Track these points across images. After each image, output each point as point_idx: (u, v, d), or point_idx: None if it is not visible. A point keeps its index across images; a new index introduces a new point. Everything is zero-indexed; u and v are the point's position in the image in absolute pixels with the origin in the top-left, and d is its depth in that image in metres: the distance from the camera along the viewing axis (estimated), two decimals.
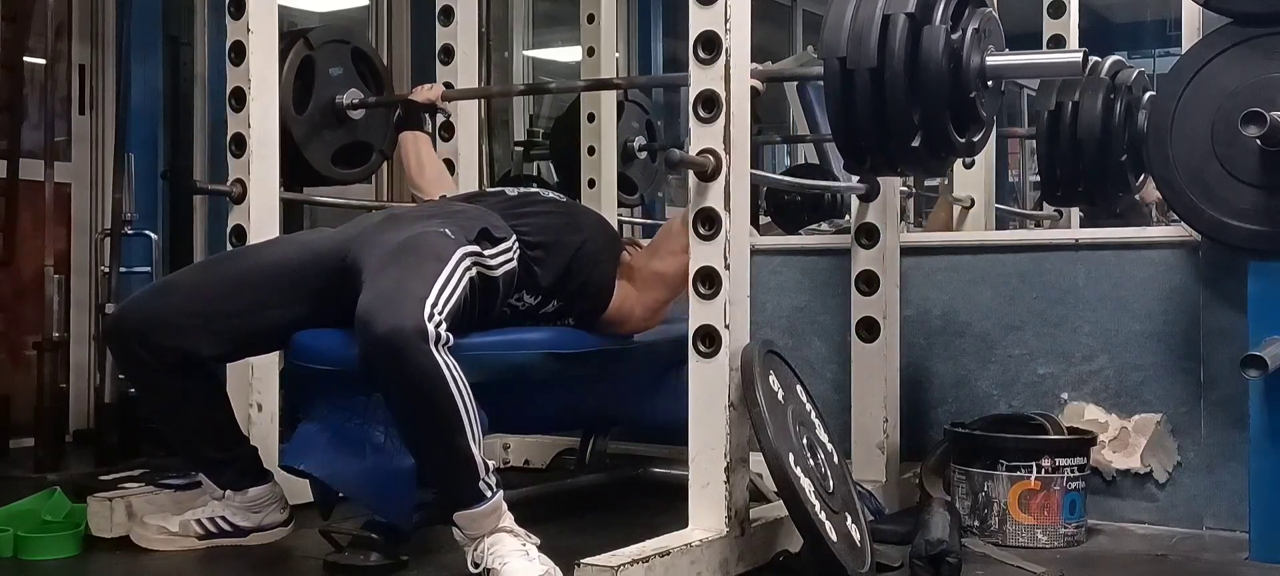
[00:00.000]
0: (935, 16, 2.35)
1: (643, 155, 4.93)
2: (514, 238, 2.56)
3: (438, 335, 2.17)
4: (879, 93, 2.35)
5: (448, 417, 2.18)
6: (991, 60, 2.43)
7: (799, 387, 2.51)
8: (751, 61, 2.40)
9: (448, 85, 3.41)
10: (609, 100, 4.07)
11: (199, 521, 2.61)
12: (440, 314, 2.20)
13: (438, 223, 2.49)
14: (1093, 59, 3.43)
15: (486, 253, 2.47)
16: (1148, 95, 3.49)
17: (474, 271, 2.41)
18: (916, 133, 2.39)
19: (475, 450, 2.21)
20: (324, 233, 2.69)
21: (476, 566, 2.25)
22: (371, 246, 2.44)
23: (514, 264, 2.54)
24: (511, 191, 2.87)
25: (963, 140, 2.47)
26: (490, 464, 2.27)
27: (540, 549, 2.27)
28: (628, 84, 4.30)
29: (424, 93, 3.27)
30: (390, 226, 2.52)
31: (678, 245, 2.56)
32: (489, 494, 2.24)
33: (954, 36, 2.37)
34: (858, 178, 3.00)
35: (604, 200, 4.04)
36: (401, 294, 2.21)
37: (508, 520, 2.28)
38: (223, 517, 2.61)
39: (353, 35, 3.59)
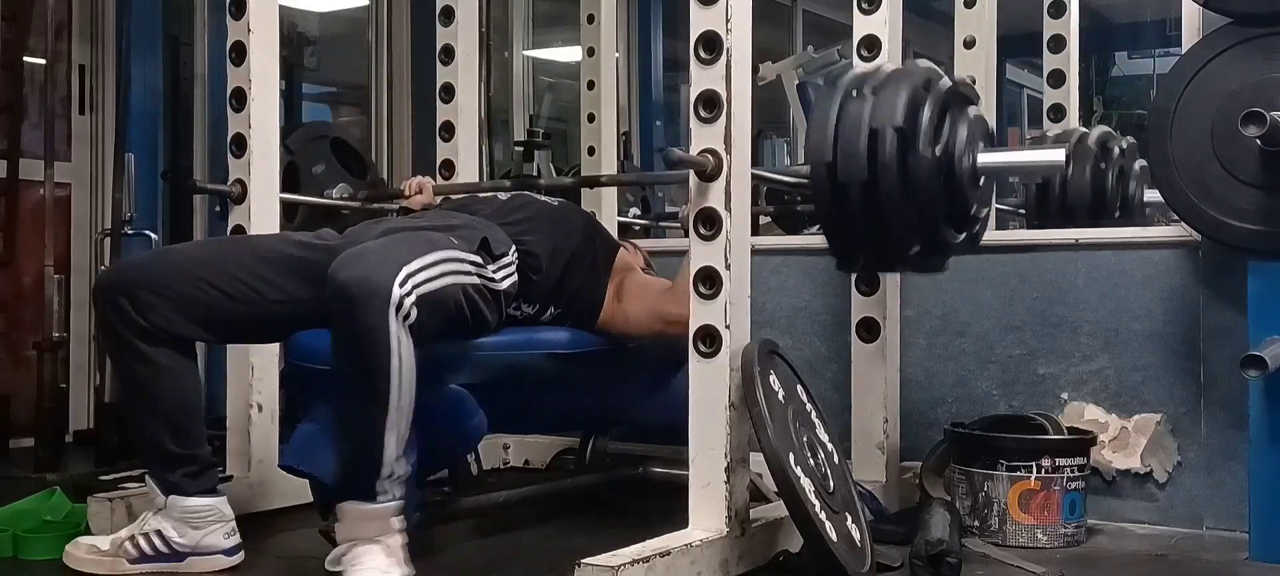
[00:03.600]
0: (922, 127, 2.36)
1: None
2: (513, 249, 2.56)
3: (400, 303, 2.12)
4: (872, 205, 2.38)
5: (375, 391, 2.13)
6: (983, 159, 2.47)
7: (799, 387, 2.51)
8: (752, 61, 2.40)
9: (445, 164, 3.48)
10: (609, 101, 4.08)
11: (133, 540, 2.42)
12: (414, 286, 2.16)
13: (439, 229, 2.49)
14: (1081, 129, 3.74)
15: (489, 267, 2.46)
16: (1139, 165, 3.53)
17: (475, 280, 2.40)
18: (914, 240, 2.44)
19: (389, 443, 2.15)
20: (329, 235, 2.65)
21: (334, 565, 2.21)
22: (373, 238, 2.44)
23: (514, 277, 2.54)
24: (503, 195, 2.85)
25: (959, 237, 2.52)
26: (400, 475, 2.20)
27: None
28: (614, 182, 4.16)
29: (418, 199, 3.13)
30: (395, 227, 2.53)
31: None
32: (382, 498, 2.19)
33: (941, 145, 2.39)
34: None
35: (604, 200, 4.05)
36: (380, 254, 2.20)
37: (391, 537, 2.21)
38: (159, 533, 2.41)
39: (329, 128, 3.62)
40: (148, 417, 2.44)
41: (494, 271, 2.47)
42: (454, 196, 3.10)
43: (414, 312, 2.15)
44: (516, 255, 2.56)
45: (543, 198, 2.87)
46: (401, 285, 2.13)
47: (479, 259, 2.43)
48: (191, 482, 2.44)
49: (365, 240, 2.52)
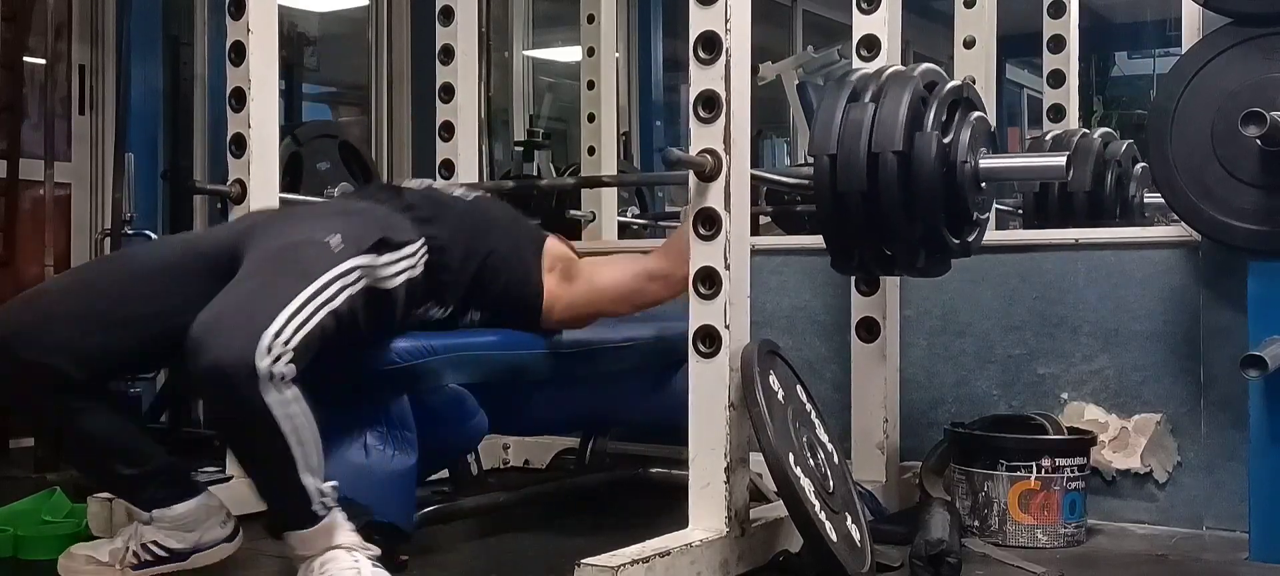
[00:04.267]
0: (924, 133, 2.40)
1: None
2: (420, 242, 2.41)
3: (271, 372, 1.94)
4: (874, 214, 2.40)
5: (275, 455, 2.01)
6: (985, 164, 2.49)
7: (799, 387, 2.51)
8: (752, 61, 2.40)
9: (445, 164, 3.44)
10: (609, 101, 4.08)
11: (131, 550, 2.32)
12: (284, 344, 1.97)
13: (328, 228, 2.26)
14: (1081, 130, 3.82)
15: (380, 260, 2.27)
16: (1139, 167, 3.55)
17: (359, 286, 2.19)
18: (918, 249, 2.48)
19: (306, 480, 2.05)
20: (213, 231, 2.49)
21: None
22: (255, 245, 2.23)
23: (417, 271, 2.37)
24: (415, 184, 2.73)
25: (957, 241, 2.54)
26: (326, 485, 2.10)
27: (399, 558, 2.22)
28: (614, 182, 4.19)
29: None
30: (282, 222, 2.35)
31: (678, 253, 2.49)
32: (322, 514, 2.09)
33: (946, 141, 2.43)
34: None
35: (604, 200, 4.06)
36: (240, 319, 1.99)
37: (343, 535, 2.12)
38: (155, 543, 2.32)
39: (340, 130, 3.62)
40: (88, 454, 2.35)
41: (384, 266, 2.28)
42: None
43: (290, 370, 1.98)
44: (424, 248, 2.41)
45: (457, 192, 2.73)
46: (268, 354, 1.95)
47: (367, 258, 2.23)
48: (167, 493, 2.34)
49: (255, 223, 2.35)
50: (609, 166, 4.07)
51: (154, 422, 3.95)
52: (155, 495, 2.32)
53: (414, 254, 2.38)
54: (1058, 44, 4.08)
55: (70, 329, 2.23)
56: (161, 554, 2.34)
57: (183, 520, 2.34)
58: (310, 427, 2.03)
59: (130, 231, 3.96)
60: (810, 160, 2.51)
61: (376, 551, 2.18)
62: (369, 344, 2.35)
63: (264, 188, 2.94)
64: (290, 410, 1.99)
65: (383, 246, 2.28)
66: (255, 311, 2.00)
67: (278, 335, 1.97)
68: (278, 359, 1.96)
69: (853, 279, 2.95)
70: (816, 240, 2.66)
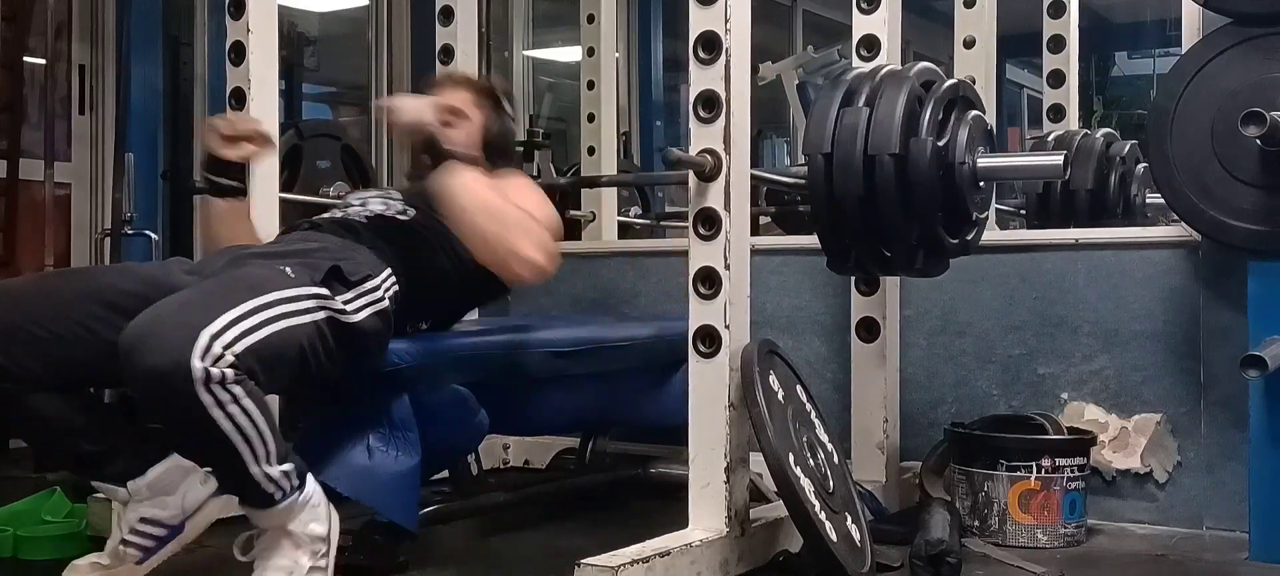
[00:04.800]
0: (921, 135, 2.39)
1: None
2: (385, 275, 2.36)
3: (208, 372, 1.86)
4: (871, 216, 2.41)
5: (221, 454, 1.96)
6: (983, 163, 2.49)
7: (799, 387, 2.51)
8: (752, 61, 2.40)
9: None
10: (609, 101, 4.08)
11: (125, 542, 2.22)
12: (225, 347, 1.88)
13: (281, 261, 2.23)
14: (1083, 132, 3.81)
15: (338, 299, 2.20)
16: (1141, 166, 3.55)
17: (322, 314, 2.14)
18: (915, 250, 2.48)
19: (258, 469, 1.97)
20: (174, 268, 2.43)
21: (244, 554, 2.08)
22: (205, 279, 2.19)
23: (384, 304, 2.31)
24: (363, 215, 2.62)
25: (955, 241, 2.54)
26: (277, 470, 2.00)
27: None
28: (614, 182, 4.19)
29: (234, 151, 2.58)
30: (233, 266, 2.29)
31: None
32: (279, 499, 2.02)
33: (942, 143, 2.43)
34: None
35: (604, 199, 4.05)
36: (175, 323, 1.90)
37: (297, 522, 2.05)
38: (143, 520, 2.22)
39: (343, 132, 3.63)
40: (49, 439, 2.27)
41: (346, 303, 2.22)
42: (333, 214, 2.84)
43: (231, 372, 1.89)
44: (393, 283, 2.38)
45: (398, 213, 2.62)
46: (203, 356, 1.86)
47: (322, 289, 2.16)
48: (136, 461, 2.24)
49: (207, 274, 2.29)
50: (609, 166, 4.07)
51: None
52: (125, 466, 2.24)
53: (377, 287, 2.33)
54: (1058, 44, 4.08)
55: (16, 329, 2.14)
56: (157, 531, 2.24)
57: (160, 484, 2.24)
58: (261, 419, 1.95)
59: (130, 231, 3.96)
60: (806, 160, 2.51)
61: (324, 548, 2.10)
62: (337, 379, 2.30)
63: (264, 187, 2.93)
64: (231, 410, 1.91)
65: (336, 278, 2.22)
66: (193, 315, 1.92)
67: (217, 336, 1.89)
68: (216, 359, 1.87)
69: (852, 279, 2.95)
70: (816, 240, 2.66)
